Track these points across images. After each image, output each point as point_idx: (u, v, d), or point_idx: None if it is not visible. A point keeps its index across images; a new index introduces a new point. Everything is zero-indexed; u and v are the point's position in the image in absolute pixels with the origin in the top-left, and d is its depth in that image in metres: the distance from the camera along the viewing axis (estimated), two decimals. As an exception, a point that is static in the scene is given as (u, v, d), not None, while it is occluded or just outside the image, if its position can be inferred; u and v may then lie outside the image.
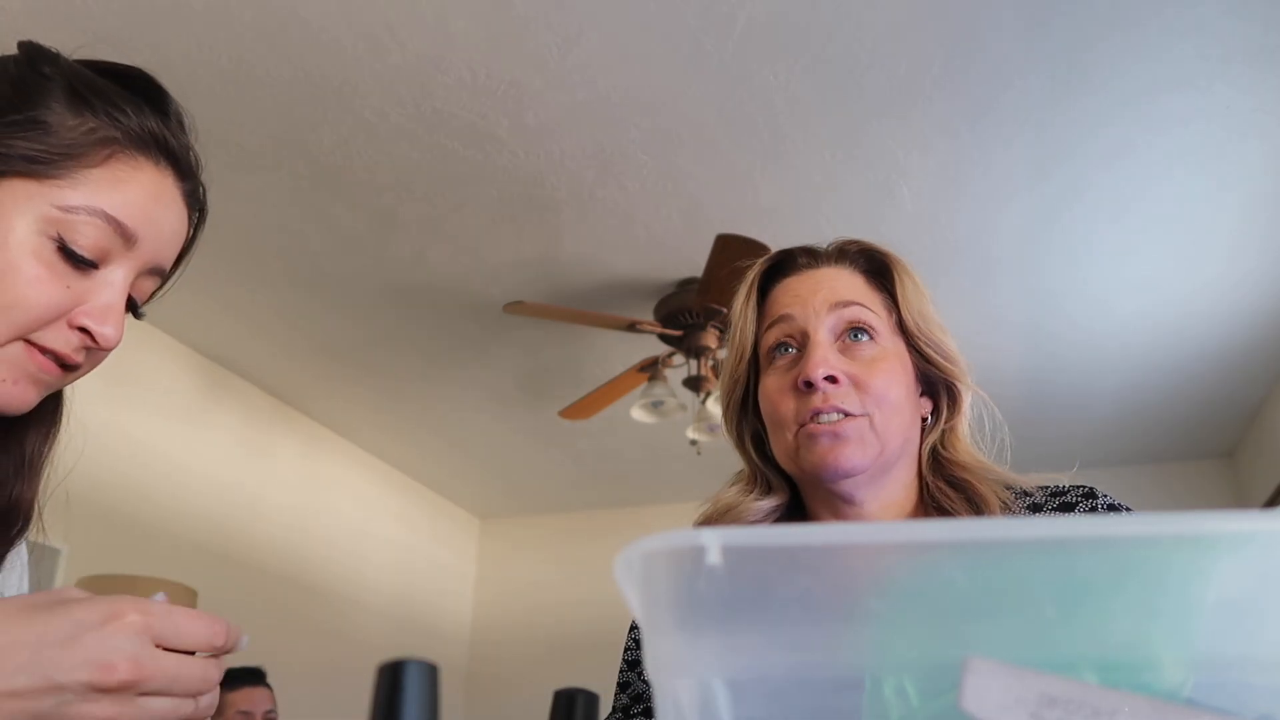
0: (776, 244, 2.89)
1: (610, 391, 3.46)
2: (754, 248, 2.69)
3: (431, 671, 0.33)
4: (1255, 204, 2.79)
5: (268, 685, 2.65)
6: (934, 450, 0.96)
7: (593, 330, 3.45)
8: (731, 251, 2.72)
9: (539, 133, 2.56)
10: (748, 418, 1.00)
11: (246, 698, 2.57)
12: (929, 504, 0.94)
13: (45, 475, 0.77)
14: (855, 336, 0.93)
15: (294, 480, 4.21)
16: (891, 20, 2.20)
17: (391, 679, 0.32)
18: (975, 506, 0.91)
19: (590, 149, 2.62)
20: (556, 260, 3.12)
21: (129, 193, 0.69)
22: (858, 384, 0.90)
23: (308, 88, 2.41)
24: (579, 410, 3.55)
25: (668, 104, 2.46)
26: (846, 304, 0.93)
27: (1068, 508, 0.91)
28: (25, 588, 0.80)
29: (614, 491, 5.13)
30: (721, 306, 3.01)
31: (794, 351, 0.94)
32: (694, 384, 3.21)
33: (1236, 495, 4.46)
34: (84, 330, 0.68)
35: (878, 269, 0.98)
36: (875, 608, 0.31)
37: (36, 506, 0.77)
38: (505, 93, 2.43)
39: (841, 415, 0.89)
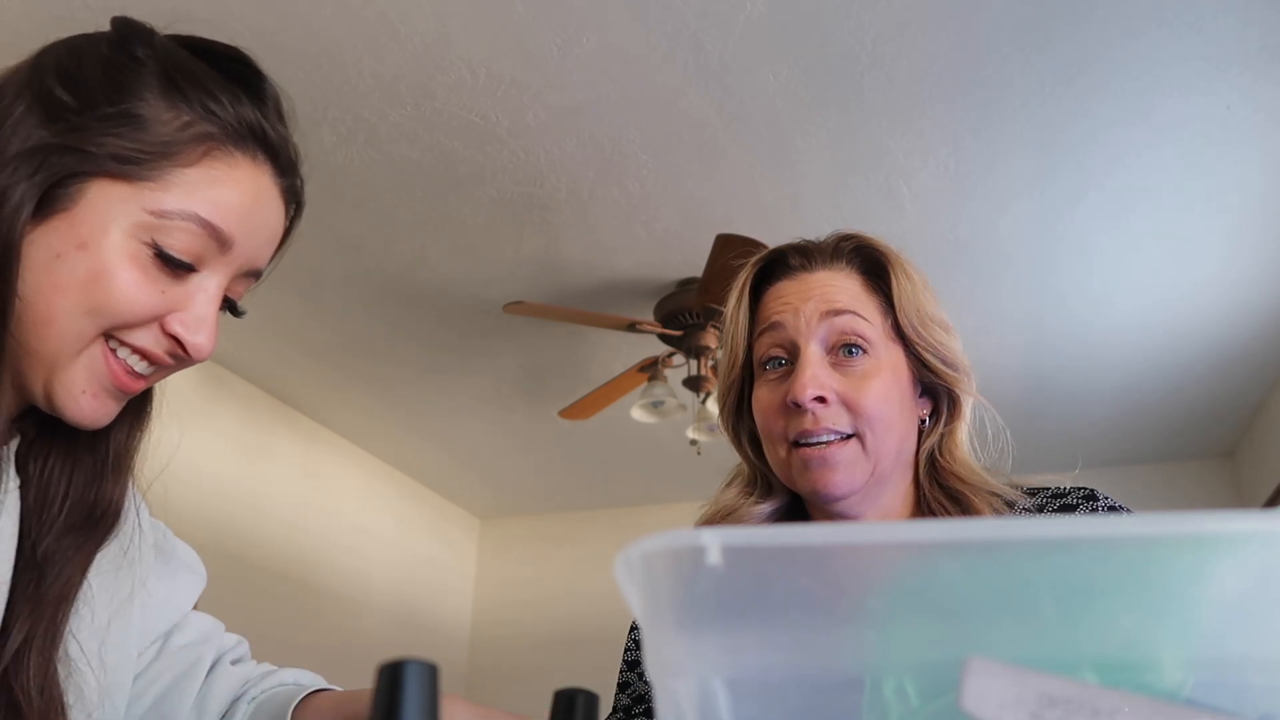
0: (776, 244, 2.88)
1: (610, 391, 3.46)
2: (754, 248, 2.68)
3: (431, 671, 0.33)
4: (1255, 204, 2.79)
5: None
6: (931, 456, 0.94)
7: (593, 330, 3.45)
8: (731, 251, 2.71)
9: (539, 133, 2.56)
10: (744, 421, 0.99)
11: None
12: (925, 513, 0.94)
13: (135, 470, 0.76)
14: (848, 352, 0.90)
15: (294, 480, 4.21)
16: (892, 21, 2.20)
17: (391, 679, 0.32)
18: None
19: (590, 149, 2.62)
20: (556, 260, 3.12)
21: (225, 193, 0.66)
22: (848, 403, 0.88)
23: (308, 87, 2.41)
24: (579, 410, 3.55)
25: (668, 104, 2.46)
26: (839, 312, 0.91)
27: (1069, 509, 0.91)
28: (136, 507, 0.78)
29: (614, 491, 5.13)
30: (721, 306, 3.01)
31: (785, 365, 0.92)
32: (694, 384, 3.21)
33: (1236, 495, 4.46)
34: (175, 338, 0.66)
35: (874, 268, 0.96)
36: (875, 608, 0.31)
37: (130, 502, 0.76)
38: (505, 93, 2.43)
39: (833, 437, 0.87)
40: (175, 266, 0.64)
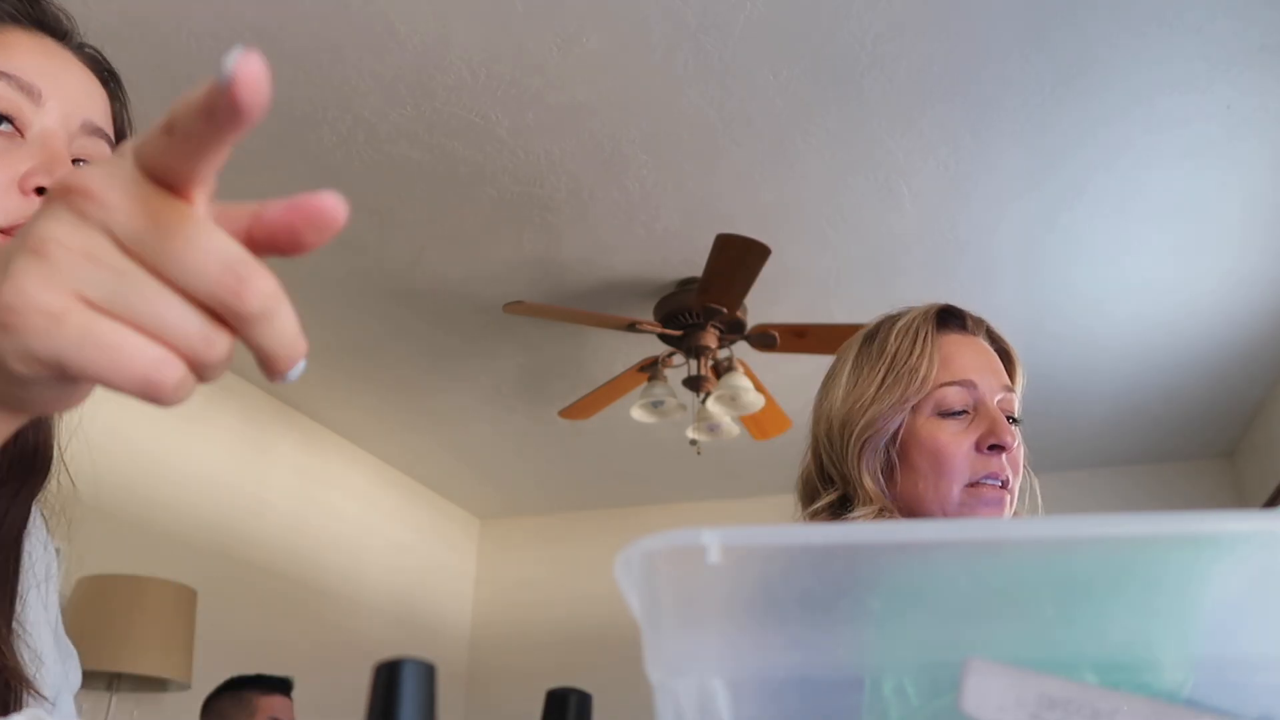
0: (776, 244, 2.90)
1: (610, 391, 3.45)
2: (754, 248, 2.69)
3: (428, 671, 0.33)
4: (1256, 204, 2.79)
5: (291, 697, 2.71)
6: None
7: (593, 330, 3.44)
8: (731, 251, 2.71)
9: (539, 133, 2.56)
10: (892, 451, 1.07)
11: (284, 707, 2.62)
12: None
13: (58, 420, 0.73)
14: (1010, 419, 1.07)
15: (294, 480, 4.21)
16: (891, 21, 2.20)
17: (388, 679, 0.32)
18: None
19: (590, 149, 2.62)
20: (556, 260, 3.12)
21: (10, 52, 0.66)
22: (1012, 462, 1.04)
23: (308, 88, 2.41)
24: (579, 410, 3.55)
25: (668, 104, 2.46)
26: (1011, 389, 1.09)
27: None
28: (55, 566, 0.76)
29: (614, 491, 5.12)
30: (721, 306, 3.01)
31: (965, 414, 1.06)
32: (694, 384, 3.21)
33: (1236, 495, 4.46)
34: (41, 192, 0.64)
35: (1002, 355, 1.14)
36: (875, 608, 0.31)
37: (56, 450, 0.73)
38: (505, 93, 2.43)
39: (1002, 484, 1.02)
40: None
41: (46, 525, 0.76)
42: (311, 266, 3.16)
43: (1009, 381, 1.10)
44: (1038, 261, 3.08)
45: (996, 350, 1.13)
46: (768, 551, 0.32)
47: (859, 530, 0.34)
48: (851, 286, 3.21)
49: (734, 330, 3.16)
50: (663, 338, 3.21)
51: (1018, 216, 2.87)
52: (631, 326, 3.13)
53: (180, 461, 3.60)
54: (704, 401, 3.25)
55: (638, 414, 3.37)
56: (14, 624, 0.65)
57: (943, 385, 1.06)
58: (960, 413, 1.05)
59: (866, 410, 1.06)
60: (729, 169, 2.69)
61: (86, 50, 0.73)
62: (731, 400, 3.19)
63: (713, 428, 3.29)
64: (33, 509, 0.74)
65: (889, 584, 0.31)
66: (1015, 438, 1.04)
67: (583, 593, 5.11)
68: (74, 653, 0.81)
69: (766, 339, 3.15)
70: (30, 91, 0.65)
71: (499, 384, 3.94)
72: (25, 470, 0.70)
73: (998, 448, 1.02)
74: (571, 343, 3.60)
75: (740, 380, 3.15)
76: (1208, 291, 3.21)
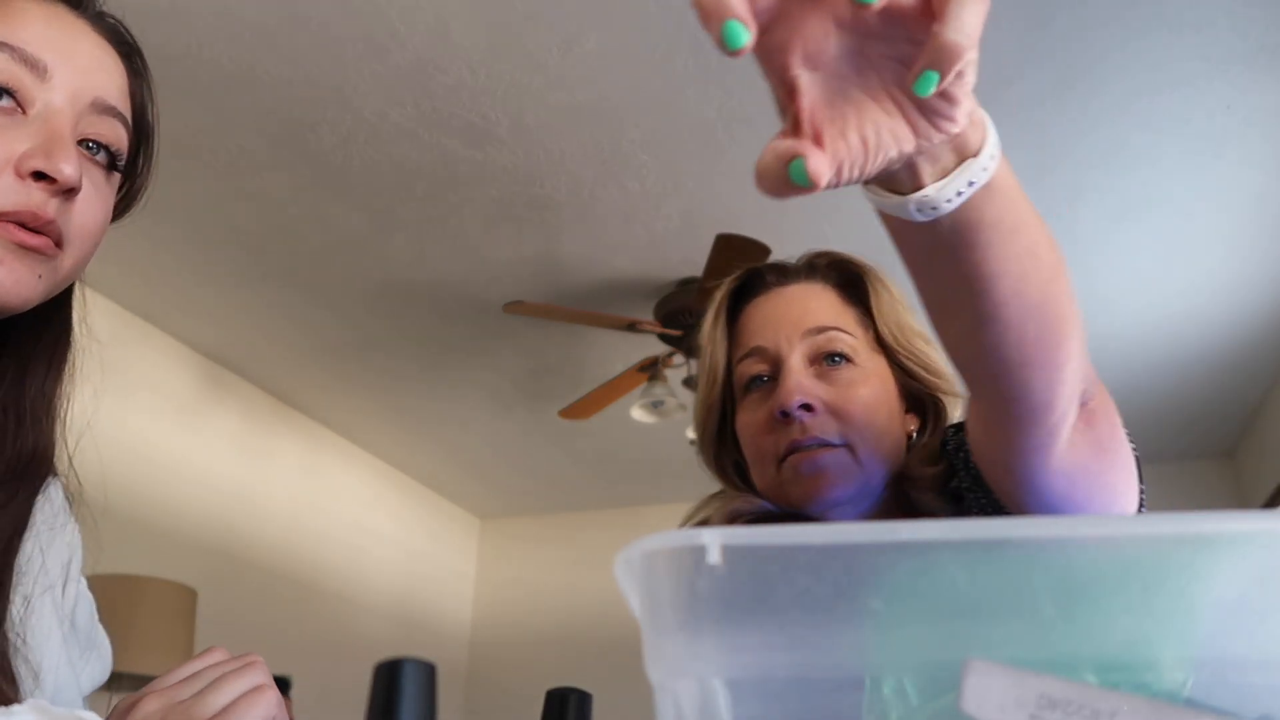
0: (776, 244, 2.90)
1: (610, 391, 3.45)
2: (754, 248, 2.69)
3: (429, 671, 0.33)
4: (1255, 204, 2.78)
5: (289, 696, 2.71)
6: None
7: (593, 330, 3.44)
8: (731, 251, 2.71)
9: (539, 133, 2.56)
10: (726, 448, 0.95)
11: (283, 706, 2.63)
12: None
13: (62, 416, 0.70)
14: (831, 361, 0.87)
15: (294, 480, 4.21)
16: (891, 20, 2.20)
17: (388, 678, 0.32)
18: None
19: (590, 149, 2.62)
20: (556, 260, 3.12)
21: (16, 23, 0.61)
22: (836, 412, 0.85)
23: (308, 88, 2.41)
24: (579, 410, 3.55)
25: (668, 104, 2.46)
26: (820, 329, 0.88)
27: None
28: (78, 559, 0.73)
29: (614, 491, 5.12)
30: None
31: (767, 382, 0.89)
32: (694, 384, 3.21)
33: (1236, 495, 4.46)
34: (39, 177, 0.60)
35: (850, 281, 0.93)
36: (875, 608, 0.31)
37: (64, 453, 0.70)
38: (505, 93, 2.43)
39: (820, 445, 0.83)
40: None
41: (70, 502, 0.74)
42: (312, 266, 3.16)
43: (822, 320, 0.88)
44: (1038, 261, 3.08)
45: (838, 278, 0.93)
46: (767, 551, 0.32)
47: (859, 530, 0.34)
48: (851, 286, 3.21)
49: (734, 330, 3.16)
50: (663, 338, 3.21)
51: (1018, 216, 2.87)
52: (631, 326, 3.13)
53: (180, 462, 3.60)
54: (704, 401, 3.24)
55: (638, 414, 3.37)
56: (10, 633, 0.62)
57: (737, 363, 0.91)
58: (763, 379, 0.89)
59: (699, 412, 0.96)
60: (729, 169, 2.69)
61: (106, 20, 0.69)
62: (731, 400, 3.19)
63: (713, 428, 3.29)
64: (56, 490, 0.71)
65: (889, 584, 0.31)
66: (806, 394, 0.84)
67: (583, 593, 5.11)
68: (103, 643, 0.76)
69: (766, 339, 3.15)
70: (34, 65, 0.62)
71: (499, 384, 3.94)
72: (22, 474, 0.67)
73: (785, 415, 0.84)
74: (571, 343, 3.60)
75: (740, 380, 3.15)
76: (1208, 292, 3.21)
